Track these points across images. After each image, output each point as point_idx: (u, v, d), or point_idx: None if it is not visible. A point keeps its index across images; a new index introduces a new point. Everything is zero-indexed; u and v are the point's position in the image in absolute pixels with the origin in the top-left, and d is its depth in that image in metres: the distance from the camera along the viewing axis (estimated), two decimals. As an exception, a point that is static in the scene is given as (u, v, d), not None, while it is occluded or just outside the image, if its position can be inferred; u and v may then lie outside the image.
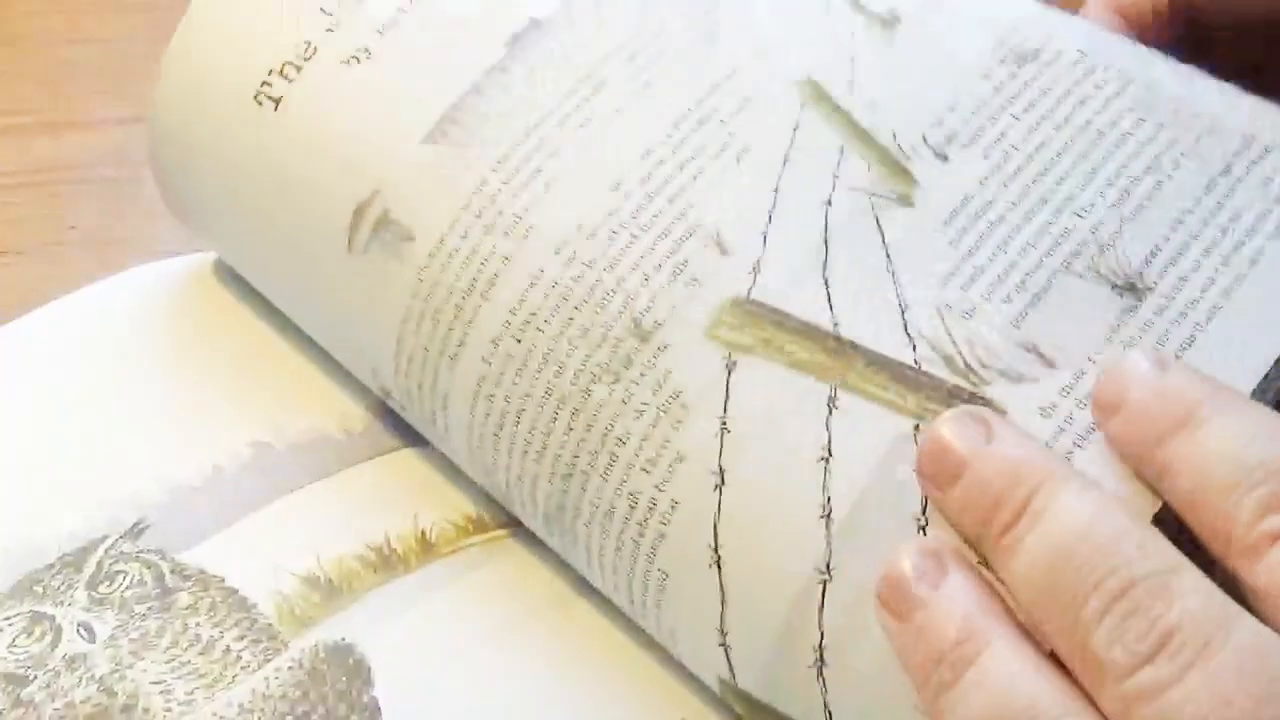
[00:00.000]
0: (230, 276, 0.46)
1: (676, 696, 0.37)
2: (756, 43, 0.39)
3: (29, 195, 0.51)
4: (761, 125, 0.38)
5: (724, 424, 0.34)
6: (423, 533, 0.40)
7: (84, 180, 0.51)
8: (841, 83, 0.38)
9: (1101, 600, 0.29)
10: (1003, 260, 0.35)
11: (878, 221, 0.36)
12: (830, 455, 0.33)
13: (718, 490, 0.34)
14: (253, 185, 0.41)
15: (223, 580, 0.39)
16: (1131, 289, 0.34)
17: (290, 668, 0.38)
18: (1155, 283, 0.34)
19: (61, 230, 0.50)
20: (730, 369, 0.35)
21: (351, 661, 0.38)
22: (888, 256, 0.35)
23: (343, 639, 0.38)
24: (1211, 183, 0.36)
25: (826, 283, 0.35)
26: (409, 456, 0.42)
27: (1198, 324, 0.34)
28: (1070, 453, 0.32)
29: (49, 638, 0.38)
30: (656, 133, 0.38)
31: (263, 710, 0.37)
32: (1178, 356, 0.33)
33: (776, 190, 0.37)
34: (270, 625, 0.38)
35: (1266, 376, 0.33)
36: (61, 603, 0.39)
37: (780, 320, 0.35)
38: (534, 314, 0.37)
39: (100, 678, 0.37)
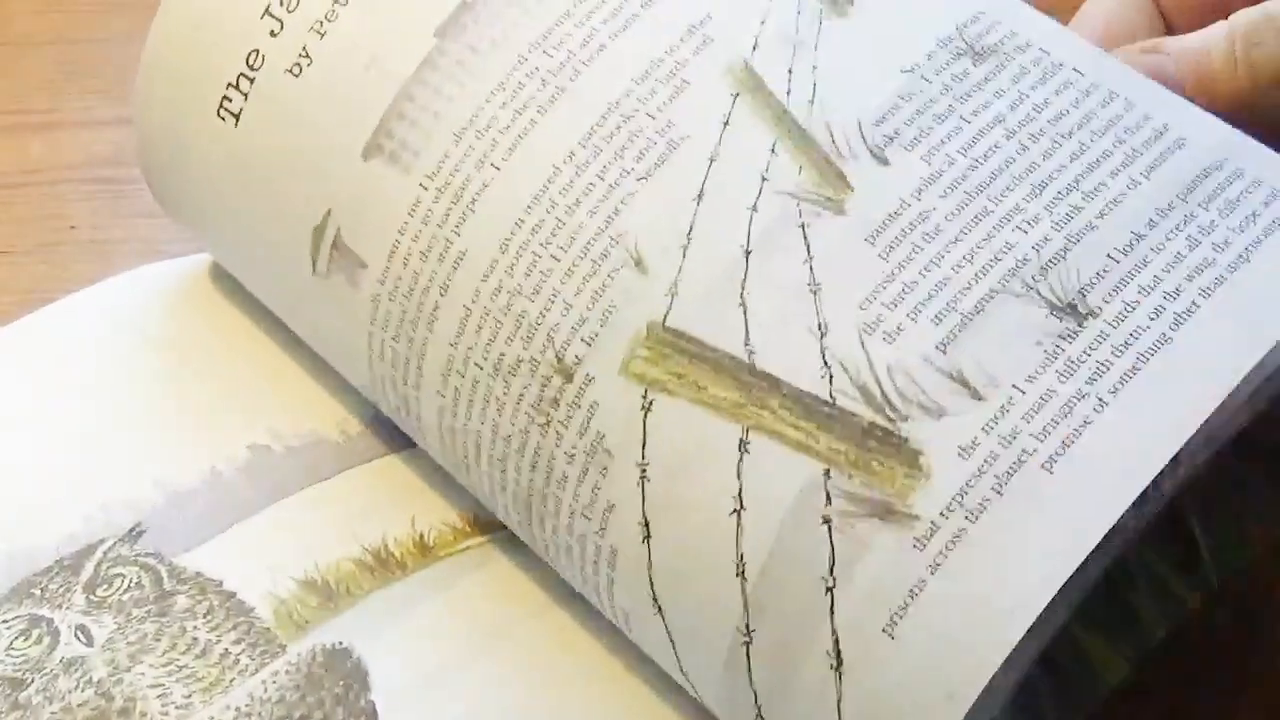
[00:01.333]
0: (230, 277, 0.46)
1: (671, 700, 0.37)
2: (693, 17, 0.36)
3: (29, 195, 0.51)
4: (691, 119, 0.35)
5: (644, 472, 0.33)
6: (420, 536, 0.40)
7: (84, 180, 0.51)
8: (780, 71, 0.35)
9: None
10: (935, 275, 0.32)
11: (804, 231, 0.33)
12: (742, 506, 0.32)
13: (645, 543, 0.33)
14: (224, 201, 0.41)
15: (220, 584, 0.39)
16: (1072, 311, 0.31)
17: (288, 671, 0.38)
18: (1099, 308, 0.31)
19: (61, 230, 0.50)
20: (646, 410, 0.33)
21: (349, 665, 0.38)
22: (811, 270, 0.33)
23: (340, 643, 0.38)
24: (1170, 205, 0.32)
25: (744, 304, 0.33)
26: (406, 459, 0.42)
27: (1140, 355, 0.31)
28: (987, 499, 0.30)
29: (46, 641, 0.38)
30: (581, 130, 0.35)
31: (260, 714, 0.37)
32: (1115, 389, 0.30)
33: (700, 196, 0.34)
34: (268, 629, 0.38)
35: (1209, 419, 0.30)
36: (59, 606, 0.39)
37: (694, 352, 0.33)
38: (471, 348, 0.36)
39: (97, 681, 0.37)
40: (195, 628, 0.38)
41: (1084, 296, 0.31)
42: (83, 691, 0.37)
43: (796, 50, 0.35)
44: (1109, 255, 0.32)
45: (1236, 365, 0.30)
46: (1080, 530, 0.29)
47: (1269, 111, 0.36)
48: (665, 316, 0.33)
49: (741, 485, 0.32)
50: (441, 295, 0.36)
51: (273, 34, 0.39)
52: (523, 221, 0.35)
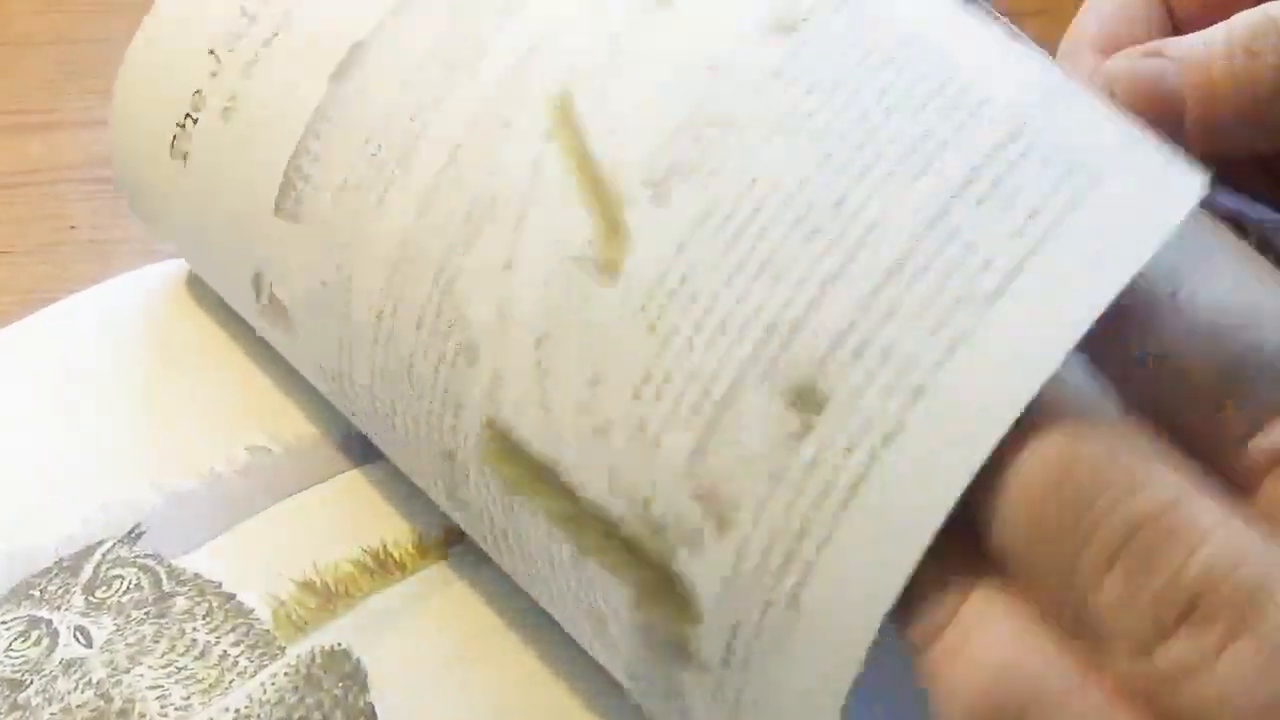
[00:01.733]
0: (229, 278, 0.46)
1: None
2: (531, 39, 0.30)
3: (29, 195, 0.51)
4: (506, 170, 0.29)
5: (531, 573, 0.31)
6: (419, 537, 0.40)
7: (84, 180, 0.51)
8: (593, 92, 0.29)
9: (1100, 548, 0.23)
10: (689, 360, 0.26)
11: (585, 308, 0.28)
12: (600, 626, 0.29)
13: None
14: (184, 236, 0.41)
15: (219, 585, 0.39)
16: (808, 399, 0.25)
17: (287, 673, 0.38)
18: (834, 387, 0.25)
19: (61, 230, 0.50)
20: (509, 510, 0.30)
21: (348, 667, 0.38)
22: (592, 359, 0.27)
23: (339, 644, 0.38)
24: (943, 210, 0.25)
25: (544, 402, 0.28)
26: (406, 461, 0.42)
27: (873, 451, 0.24)
28: (751, 647, 0.26)
29: (45, 642, 0.38)
30: (424, 187, 0.31)
31: (259, 716, 0.37)
32: (847, 500, 0.25)
33: (510, 265, 0.29)
34: (267, 631, 0.38)
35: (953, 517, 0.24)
36: (58, 607, 0.39)
37: (519, 455, 0.29)
38: (387, 415, 0.34)
39: (96, 682, 0.37)
40: (194, 629, 0.38)
41: (823, 371, 0.25)
42: (82, 693, 0.37)
43: (611, 61, 0.29)
44: (858, 304, 0.25)
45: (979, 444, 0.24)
46: (826, 678, 0.25)
47: (1271, 123, 0.35)
48: (495, 415, 0.30)
49: (590, 603, 0.29)
50: (350, 361, 0.35)
51: (213, 74, 0.37)
52: (382, 311, 0.32)
